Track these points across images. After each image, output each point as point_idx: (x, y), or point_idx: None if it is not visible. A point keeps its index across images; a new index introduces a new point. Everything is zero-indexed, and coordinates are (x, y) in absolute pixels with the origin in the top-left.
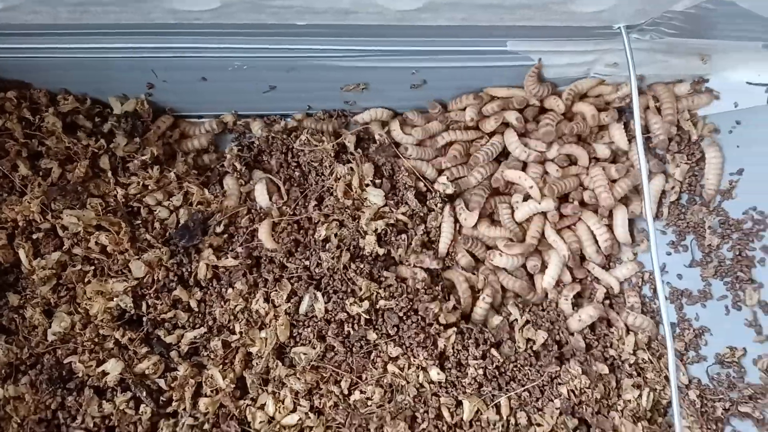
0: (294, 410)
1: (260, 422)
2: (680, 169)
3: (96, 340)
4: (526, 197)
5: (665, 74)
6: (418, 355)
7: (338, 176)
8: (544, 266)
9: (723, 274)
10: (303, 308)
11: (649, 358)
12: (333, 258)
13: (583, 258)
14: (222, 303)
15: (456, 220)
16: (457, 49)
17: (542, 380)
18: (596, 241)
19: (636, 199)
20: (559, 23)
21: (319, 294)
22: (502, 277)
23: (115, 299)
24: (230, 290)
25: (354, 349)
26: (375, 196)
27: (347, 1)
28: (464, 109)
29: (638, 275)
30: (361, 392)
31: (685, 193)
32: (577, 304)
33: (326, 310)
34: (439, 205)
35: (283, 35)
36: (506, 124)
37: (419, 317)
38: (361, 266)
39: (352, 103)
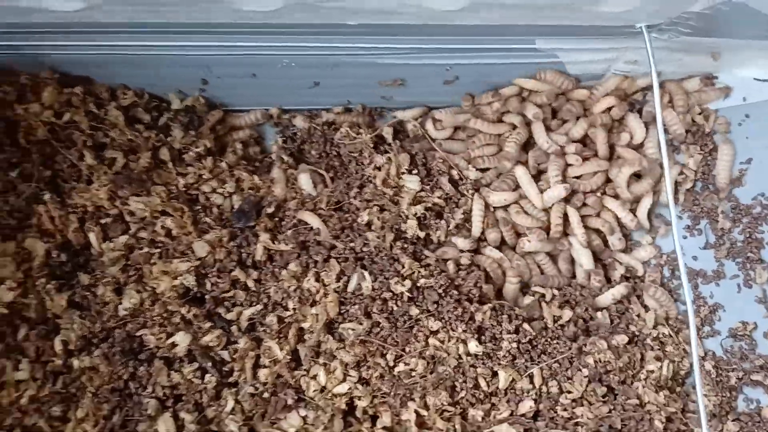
0: (344, 380)
1: (314, 391)
2: (694, 159)
3: (164, 315)
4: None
5: (680, 71)
6: (457, 329)
7: (377, 166)
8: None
9: (735, 255)
10: (351, 286)
11: (669, 333)
12: (379, 237)
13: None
14: (276, 282)
15: (486, 204)
16: (488, 47)
17: (571, 352)
18: (620, 227)
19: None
20: (585, 22)
21: (366, 273)
22: (531, 263)
23: (179, 278)
24: (284, 271)
25: (398, 324)
26: (411, 182)
27: (395, 2)
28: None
29: (657, 257)
30: (405, 364)
31: (699, 181)
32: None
33: (372, 288)
34: (470, 191)
35: (331, 34)
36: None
37: (457, 293)
38: (405, 246)
39: (389, 97)
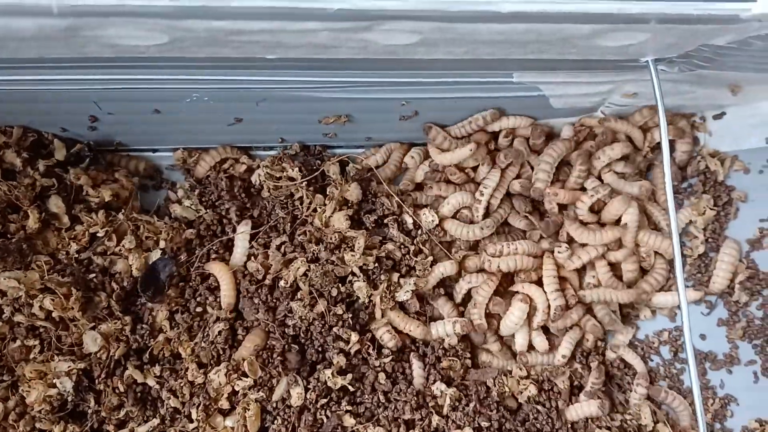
0: None
1: None
2: (704, 217)
3: None
4: None
5: (688, 105)
6: None
7: (315, 206)
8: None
9: (752, 336)
10: (277, 394)
11: None
12: (305, 307)
13: None
14: (173, 379)
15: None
16: (454, 80)
17: None
18: None
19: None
20: (577, 56)
21: (299, 378)
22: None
23: (56, 382)
24: (191, 365)
25: None
26: (342, 224)
27: (324, 37)
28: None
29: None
30: None
31: (710, 241)
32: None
33: (305, 397)
34: (426, 249)
35: (250, 68)
36: None
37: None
38: (344, 316)
39: (332, 135)
